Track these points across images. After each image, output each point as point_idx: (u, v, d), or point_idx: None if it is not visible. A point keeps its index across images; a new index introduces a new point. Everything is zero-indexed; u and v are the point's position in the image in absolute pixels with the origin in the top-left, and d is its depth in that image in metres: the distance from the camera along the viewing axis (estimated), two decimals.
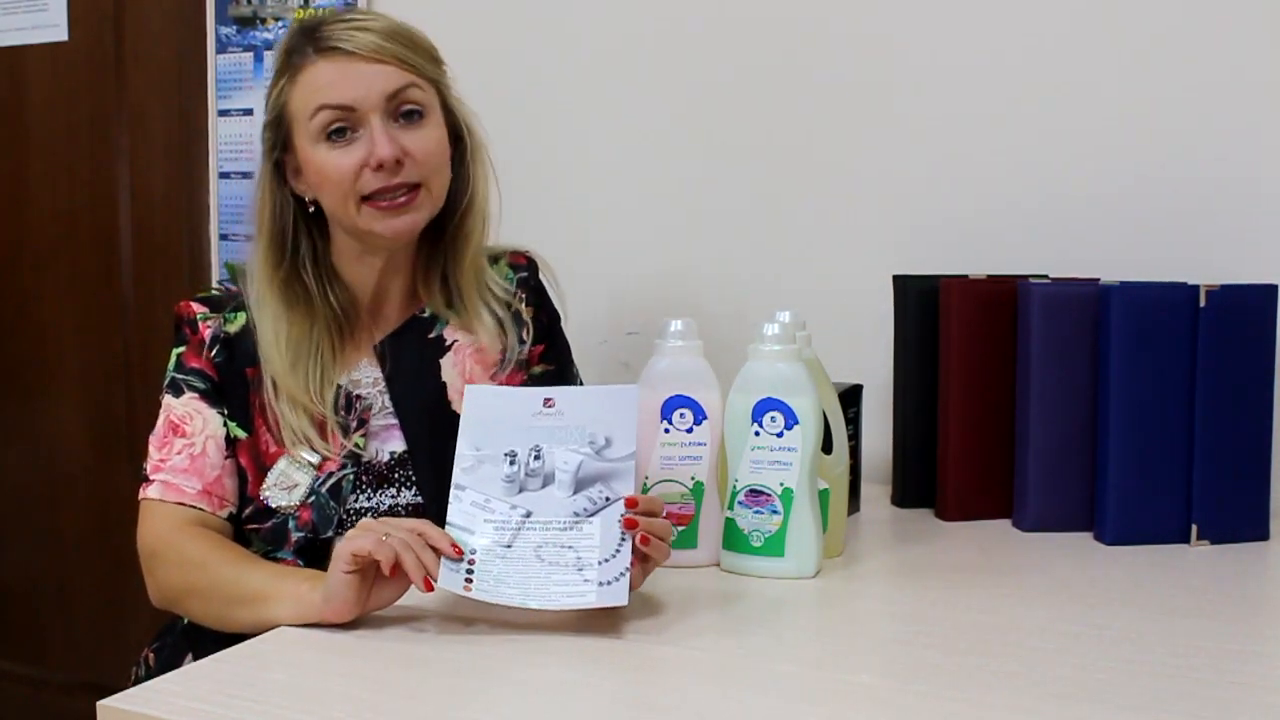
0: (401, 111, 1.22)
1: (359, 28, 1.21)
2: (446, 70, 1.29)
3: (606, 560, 0.99)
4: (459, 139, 1.30)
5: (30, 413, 2.48)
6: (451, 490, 1.03)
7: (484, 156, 1.32)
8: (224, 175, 2.21)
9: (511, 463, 1.03)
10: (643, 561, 1.02)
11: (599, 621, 1.00)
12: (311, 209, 1.26)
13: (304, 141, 1.22)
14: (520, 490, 1.03)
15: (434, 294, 1.32)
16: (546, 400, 1.06)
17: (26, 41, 2.39)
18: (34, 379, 2.46)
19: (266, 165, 1.26)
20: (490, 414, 1.06)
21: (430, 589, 0.97)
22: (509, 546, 1.00)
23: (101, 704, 0.83)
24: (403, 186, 1.21)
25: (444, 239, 1.31)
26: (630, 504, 1.01)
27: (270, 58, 2.13)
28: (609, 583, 0.99)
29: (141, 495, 1.21)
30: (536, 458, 1.03)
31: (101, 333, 2.39)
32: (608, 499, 1.02)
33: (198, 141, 2.23)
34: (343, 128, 1.20)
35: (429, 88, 1.25)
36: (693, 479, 1.19)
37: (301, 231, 1.26)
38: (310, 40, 1.22)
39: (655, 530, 1.01)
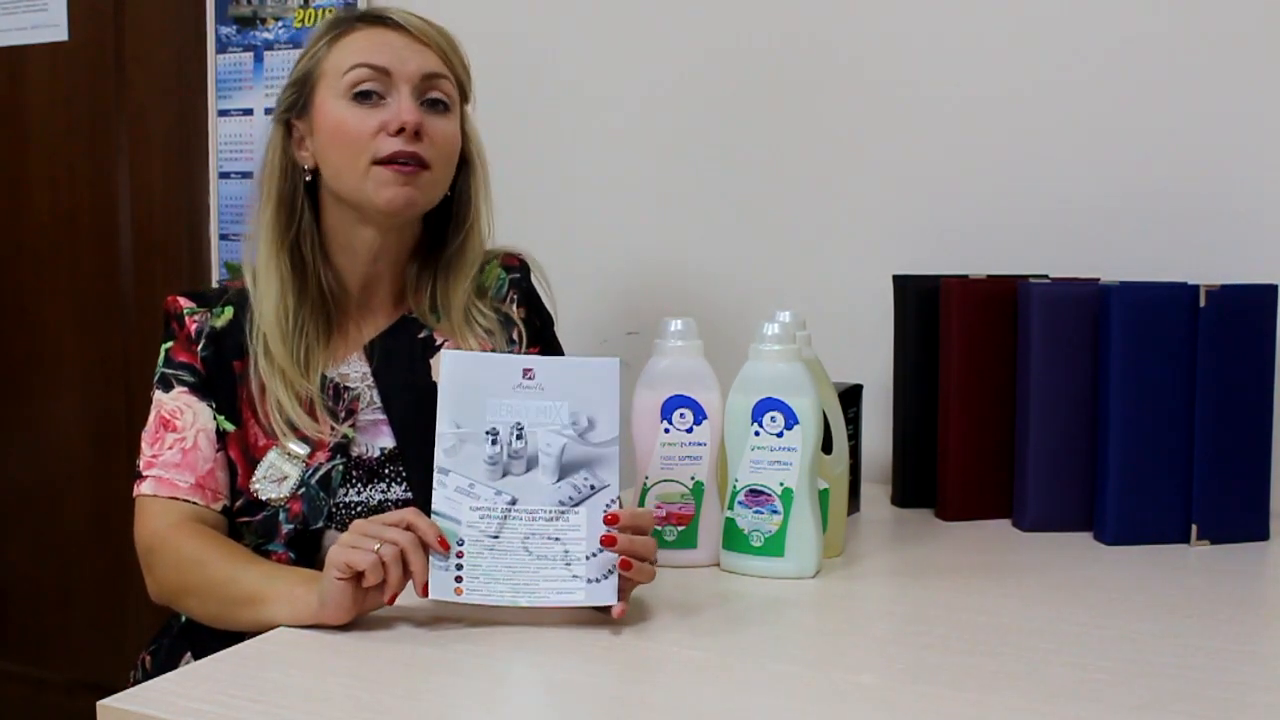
0: (429, 98, 1.26)
1: (411, 13, 1.28)
2: (471, 87, 1.34)
3: (594, 555, 0.99)
4: (466, 162, 1.32)
5: (30, 412, 2.48)
6: (435, 475, 1.01)
7: (487, 185, 1.35)
8: (224, 175, 2.21)
9: (493, 442, 1.02)
10: (625, 582, 1.00)
11: (598, 621, 1.00)
12: (309, 177, 1.27)
13: (328, 97, 1.24)
14: (504, 474, 1.02)
15: (422, 302, 1.32)
16: (526, 371, 1.05)
17: (26, 41, 2.39)
18: (34, 378, 2.47)
19: (278, 128, 1.29)
20: (469, 383, 1.04)
21: (425, 594, 0.97)
22: (496, 537, 1.00)
23: (101, 704, 0.83)
24: (416, 157, 1.22)
25: (439, 258, 1.32)
26: (610, 520, 1.00)
27: (270, 58, 2.13)
28: (597, 580, 0.99)
29: (136, 492, 1.22)
30: (519, 437, 1.02)
31: (101, 332, 2.39)
32: (593, 487, 1.01)
33: (198, 141, 2.23)
34: (370, 91, 1.23)
35: (456, 92, 1.29)
36: (693, 479, 1.19)
37: (305, 201, 1.28)
38: (358, 17, 1.28)
39: (635, 549, 1.00)
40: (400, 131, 1.21)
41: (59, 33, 2.37)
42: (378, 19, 1.27)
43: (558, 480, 1.02)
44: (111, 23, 2.31)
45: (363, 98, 1.23)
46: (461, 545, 0.99)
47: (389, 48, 1.24)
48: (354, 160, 1.22)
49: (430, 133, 1.23)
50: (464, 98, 1.32)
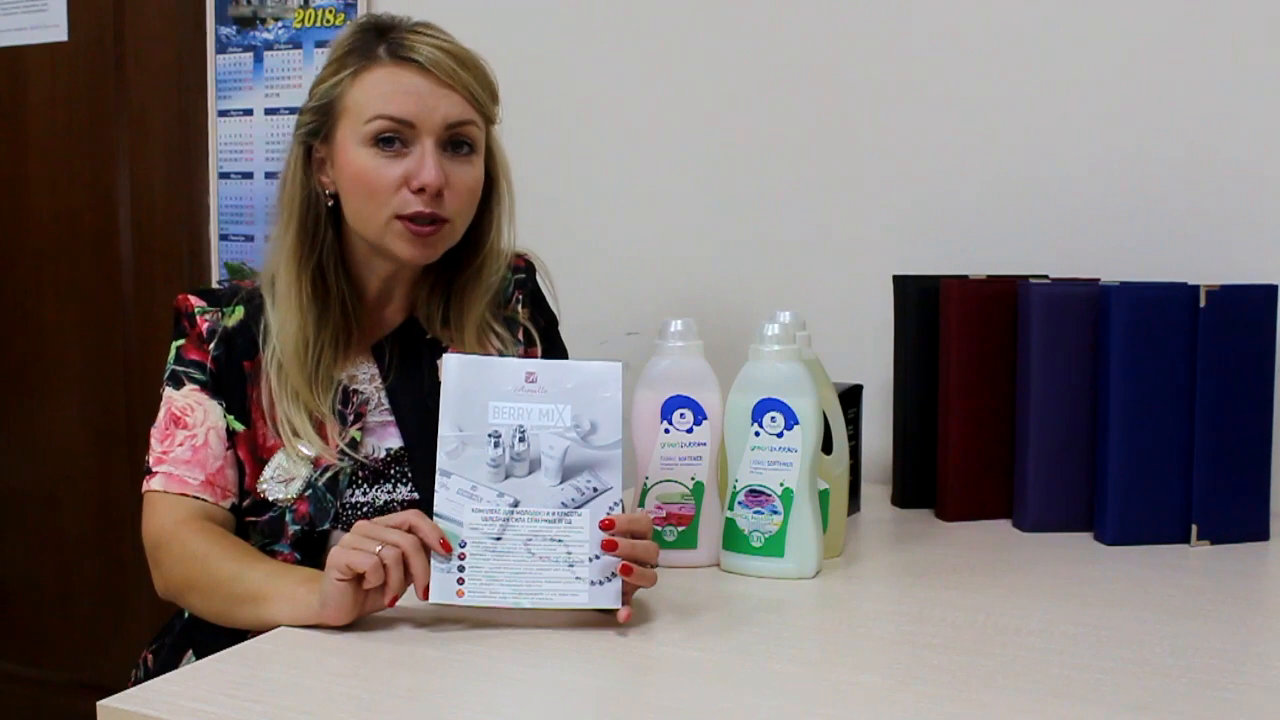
0: (453, 142, 1.22)
1: (438, 45, 1.21)
2: (499, 110, 1.29)
3: (597, 557, 0.99)
4: (492, 182, 1.30)
5: (30, 413, 2.48)
6: (436, 477, 1.01)
7: (512, 207, 1.33)
8: (224, 175, 2.21)
9: (496, 445, 1.02)
10: (627, 586, 1.00)
11: (598, 621, 1.00)
12: (330, 203, 1.25)
13: (349, 139, 1.21)
14: (506, 476, 1.02)
15: (434, 322, 1.32)
16: (529, 374, 1.05)
17: (26, 41, 2.39)
18: (34, 379, 2.47)
19: (299, 150, 1.26)
20: (472, 386, 1.04)
21: (426, 597, 0.97)
22: (499, 539, 1.00)
23: (101, 704, 0.83)
24: (435, 217, 1.20)
25: (457, 277, 1.31)
26: (606, 525, 1.00)
27: (270, 58, 2.14)
28: (600, 582, 0.99)
29: (145, 487, 1.22)
30: (521, 440, 1.02)
31: (101, 333, 2.39)
32: (595, 489, 1.02)
33: (198, 141, 2.23)
34: (393, 138, 1.20)
35: (483, 128, 1.25)
36: (693, 479, 1.19)
37: (327, 221, 1.26)
38: (383, 40, 1.22)
39: (637, 554, 1.00)
40: (422, 190, 1.19)
41: (59, 33, 2.37)
42: (404, 56, 1.20)
43: (560, 482, 1.02)
44: (111, 23, 2.31)
45: (385, 144, 1.19)
46: (463, 547, 0.99)
47: (413, 96, 1.19)
48: (375, 211, 1.20)
49: (453, 184, 1.21)
50: (490, 122, 1.28)
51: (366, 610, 0.98)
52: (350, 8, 2.06)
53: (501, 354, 1.32)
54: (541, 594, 0.98)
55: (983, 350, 1.40)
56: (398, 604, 0.99)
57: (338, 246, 1.26)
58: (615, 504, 1.02)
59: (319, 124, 1.24)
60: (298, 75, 2.11)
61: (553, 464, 1.02)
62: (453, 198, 1.21)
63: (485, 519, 1.00)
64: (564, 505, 1.01)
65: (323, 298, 1.25)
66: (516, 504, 1.01)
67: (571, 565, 0.99)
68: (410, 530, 0.98)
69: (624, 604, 0.99)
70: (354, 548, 0.96)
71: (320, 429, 1.23)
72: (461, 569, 0.98)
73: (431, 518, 1.00)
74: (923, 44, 1.65)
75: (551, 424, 1.03)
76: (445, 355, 1.07)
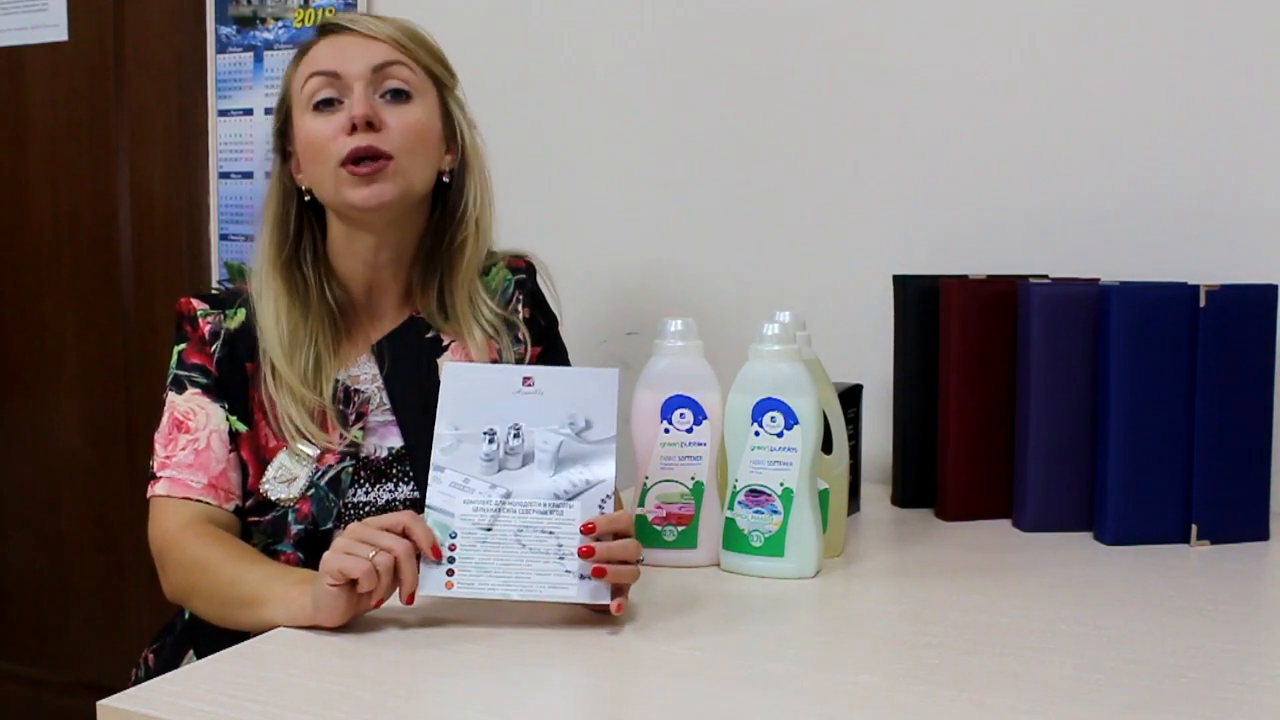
0: (387, 89, 1.25)
1: (370, 15, 1.29)
2: (456, 81, 1.34)
3: None
4: (458, 147, 1.32)
5: (30, 412, 2.48)
6: (430, 471, 1.02)
7: (481, 169, 1.34)
8: (224, 175, 2.21)
9: (490, 441, 1.03)
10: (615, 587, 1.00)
11: (598, 621, 1.00)
12: (308, 198, 1.28)
13: (298, 114, 1.26)
14: (500, 469, 1.02)
15: (429, 302, 1.33)
16: (526, 379, 1.06)
17: (26, 41, 2.39)
18: (34, 379, 2.46)
19: (276, 155, 1.32)
20: (469, 391, 1.05)
21: (411, 603, 0.97)
22: (489, 530, 1.00)
23: (101, 704, 0.83)
24: (372, 151, 1.22)
25: (441, 250, 1.33)
26: (586, 530, 0.99)
27: (270, 58, 2.14)
28: (589, 577, 0.98)
29: (150, 493, 1.22)
30: (516, 436, 1.03)
31: (101, 333, 2.39)
32: (588, 482, 1.02)
33: (198, 141, 2.23)
34: (330, 97, 1.24)
35: (421, 73, 1.28)
36: (693, 479, 1.19)
37: (304, 222, 1.29)
38: (321, 29, 1.29)
39: (615, 554, 0.99)
40: (354, 128, 1.21)
41: (59, 33, 2.36)
42: (334, 28, 1.28)
43: (553, 475, 1.02)
44: (111, 23, 2.31)
45: (323, 106, 1.24)
46: (454, 538, 0.99)
47: (339, 51, 1.25)
48: (325, 167, 1.23)
49: (388, 122, 1.23)
50: (440, 83, 1.30)
51: (358, 612, 0.98)
52: (350, 7, 2.06)
53: (494, 332, 1.33)
54: (531, 586, 0.98)
55: (983, 350, 1.40)
56: (397, 605, 0.99)
57: (316, 242, 1.30)
58: (607, 497, 1.02)
59: (281, 122, 1.30)
60: None
61: (546, 457, 1.03)
62: (389, 135, 1.23)
63: (476, 510, 1.00)
64: (556, 496, 1.01)
65: (303, 293, 1.27)
66: (508, 495, 1.01)
67: (562, 558, 0.99)
68: (404, 533, 0.98)
69: (618, 596, 0.99)
70: (347, 552, 0.96)
71: (322, 422, 1.23)
72: (451, 560, 0.98)
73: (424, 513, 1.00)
74: (923, 45, 1.65)
75: (547, 422, 1.04)
76: (445, 364, 1.08)
